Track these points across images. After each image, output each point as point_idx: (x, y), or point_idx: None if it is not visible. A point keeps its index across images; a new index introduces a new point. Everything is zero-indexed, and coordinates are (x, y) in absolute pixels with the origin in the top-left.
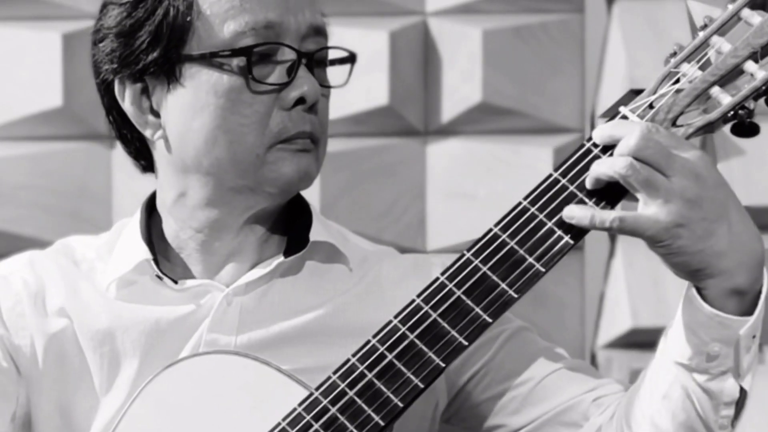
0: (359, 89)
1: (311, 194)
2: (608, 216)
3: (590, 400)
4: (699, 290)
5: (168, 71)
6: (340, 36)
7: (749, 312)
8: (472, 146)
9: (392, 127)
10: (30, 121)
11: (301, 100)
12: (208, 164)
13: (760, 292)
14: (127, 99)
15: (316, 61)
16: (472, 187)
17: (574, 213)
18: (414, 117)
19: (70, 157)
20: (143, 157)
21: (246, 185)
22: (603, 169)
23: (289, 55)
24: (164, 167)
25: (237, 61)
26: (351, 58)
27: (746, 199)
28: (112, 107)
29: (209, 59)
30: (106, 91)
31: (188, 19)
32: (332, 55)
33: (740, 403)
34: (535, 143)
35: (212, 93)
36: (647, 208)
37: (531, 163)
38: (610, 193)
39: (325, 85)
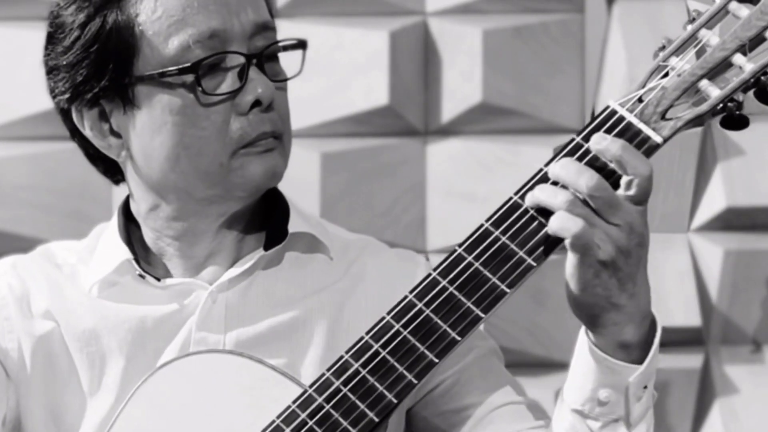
0: (359, 89)
1: (311, 194)
2: (576, 223)
3: None
4: (590, 337)
5: (121, 94)
6: (340, 36)
7: (638, 362)
8: (472, 146)
9: (392, 127)
10: (30, 121)
11: (256, 103)
12: (175, 179)
13: (647, 344)
14: (86, 125)
15: (266, 56)
16: (472, 187)
17: (555, 221)
18: (414, 117)
19: (70, 157)
20: (113, 173)
21: (216, 194)
22: (544, 196)
23: (237, 59)
24: (134, 183)
25: (186, 78)
26: (302, 45)
27: (746, 199)
28: (75, 131)
29: (158, 79)
30: (65, 117)
31: (131, 40)
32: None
33: None
34: (535, 143)
35: (167, 111)
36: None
37: (531, 163)
38: None
39: (279, 79)
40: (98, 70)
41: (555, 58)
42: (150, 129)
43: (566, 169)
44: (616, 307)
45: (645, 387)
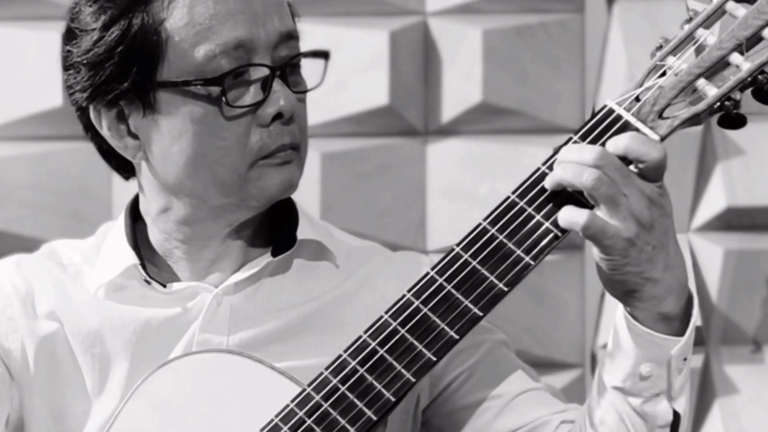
0: (359, 89)
1: (311, 194)
2: (582, 215)
3: (558, 421)
4: (629, 312)
5: (142, 98)
6: (340, 36)
7: (679, 334)
8: (472, 146)
9: (392, 127)
10: (30, 121)
11: (278, 115)
12: (192, 185)
13: (687, 317)
14: (104, 125)
15: (290, 66)
16: (472, 187)
17: (563, 216)
18: (414, 117)
19: (70, 157)
20: (125, 169)
21: (230, 203)
22: (568, 176)
23: (262, 70)
24: (147, 183)
25: (210, 89)
26: (324, 55)
27: (746, 199)
28: (90, 127)
29: (181, 87)
30: (81, 114)
31: (157, 45)
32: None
33: (674, 426)
34: (535, 143)
35: (188, 119)
36: (610, 220)
37: (531, 163)
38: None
39: (300, 90)
40: (121, 72)
41: (555, 58)
42: (169, 135)
43: (570, 151)
44: (652, 281)
45: (685, 359)
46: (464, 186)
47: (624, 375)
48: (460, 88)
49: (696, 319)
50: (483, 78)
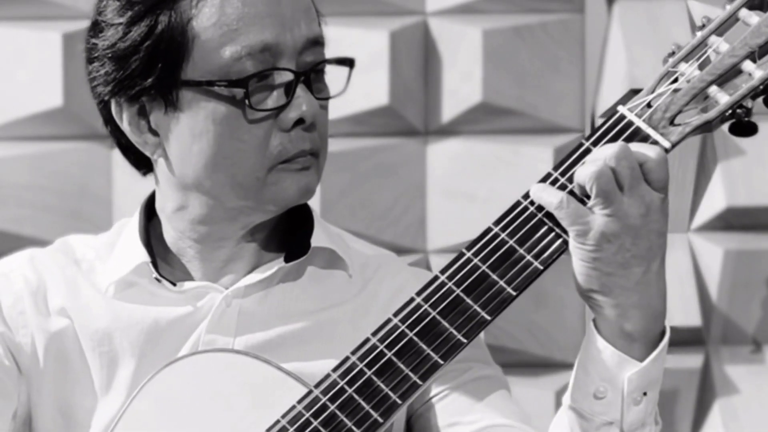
0: (359, 89)
1: None
2: (557, 195)
3: None
4: (594, 324)
5: (165, 95)
6: (340, 36)
7: (640, 360)
8: (472, 146)
9: (392, 127)
10: (30, 121)
11: (300, 121)
12: (209, 186)
13: (653, 345)
14: (125, 120)
15: (314, 72)
16: (472, 187)
17: (535, 191)
18: (414, 117)
19: (70, 157)
20: (143, 165)
21: (247, 205)
22: (581, 172)
23: (286, 75)
24: (164, 181)
25: (234, 90)
26: (349, 63)
27: (746, 199)
28: (110, 121)
29: (205, 87)
30: (103, 107)
31: (183, 43)
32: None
33: None
34: (535, 143)
35: (210, 120)
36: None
37: (531, 163)
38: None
39: (323, 97)
40: (145, 68)
41: (555, 58)
42: (190, 134)
43: (596, 151)
44: (620, 288)
45: (645, 394)
46: (464, 186)
47: (580, 393)
48: (460, 88)
49: (660, 351)
50: (483, 78)
